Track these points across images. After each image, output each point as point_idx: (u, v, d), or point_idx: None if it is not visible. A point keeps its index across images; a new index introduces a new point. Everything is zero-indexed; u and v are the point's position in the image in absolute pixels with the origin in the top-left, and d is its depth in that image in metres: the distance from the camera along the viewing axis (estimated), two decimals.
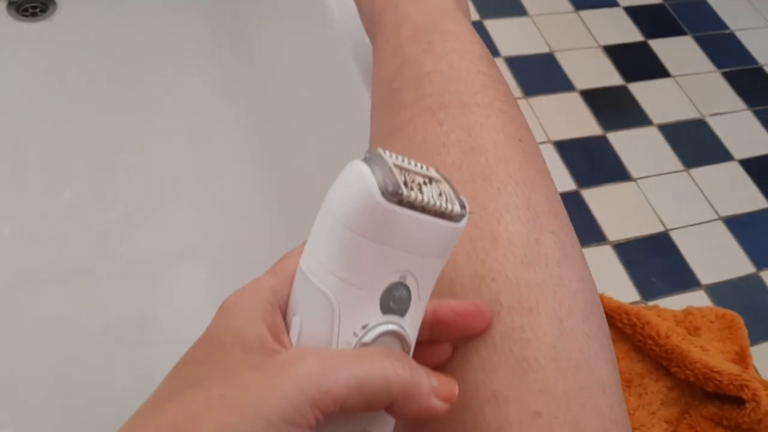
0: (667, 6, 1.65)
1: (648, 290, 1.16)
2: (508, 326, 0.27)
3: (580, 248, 0.32)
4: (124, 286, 0.60)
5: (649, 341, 0.85)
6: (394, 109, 0.35)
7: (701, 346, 0.86)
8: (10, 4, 0.71)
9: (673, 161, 1.36)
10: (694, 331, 0.93)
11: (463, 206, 0.25)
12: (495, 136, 0.32)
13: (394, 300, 0.26)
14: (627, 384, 0.84)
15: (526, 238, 0.29)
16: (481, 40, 0.38)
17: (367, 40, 0.51)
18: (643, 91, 1.46)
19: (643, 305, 1.06)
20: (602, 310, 0.31)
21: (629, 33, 1.57)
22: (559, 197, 0.33)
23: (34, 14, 0.71)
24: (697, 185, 1.33)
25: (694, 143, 1.40)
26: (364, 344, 0.25)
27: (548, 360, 0.26)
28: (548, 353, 0.26)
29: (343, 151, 0.57)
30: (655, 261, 1.20)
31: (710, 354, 0.85)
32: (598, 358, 0.28)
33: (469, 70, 0.34)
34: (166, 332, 0.58)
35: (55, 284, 0.58)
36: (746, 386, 0.80)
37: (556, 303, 0.28)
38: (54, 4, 0.72)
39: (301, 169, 0.63)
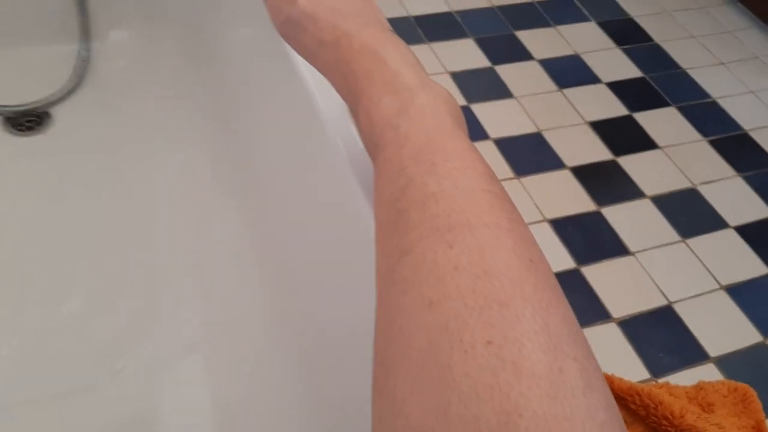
0: (648, 79, 1.69)
1: (657, 366, 1.14)
2: None
3: (601, 372, 0.31)
4: (127, 397, 0.59)
5: (664, 422, 0.83)
6: (401, 231, 0.34)
7: (717, 424, 0.84)
8: (6, 120, 0.72)
9: (670, 232, 1.37)
10: (708, 407, 0.91)
11: None
12: (507, 257, 0.31)
13: None
14: None
15: (549, 367, 0.28)
16: (482, 157, 0.38)
17: (361, 145, 0.52)
18: (632, 164, 1.48)
19: (654, 383, 1.04)
20: None
21: (614, 108, 1.60)
22: (574, 317, 0.32)
23: (30, 128, 0.72)
24: (695, 255, 1.33)
25: (688, 213, 1.41)
26: None
27: None
28: None
29: (340, 245, 0.57)
30: (662, 335, 1.19)
31: (727, 431, 0.84)
32: None
33: (473, 188, 0.34)
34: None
35: (57, 402, 0.57)
36: None
37: None
38: (49, 116, 0.73)
39: (298, 264, 0.63)
